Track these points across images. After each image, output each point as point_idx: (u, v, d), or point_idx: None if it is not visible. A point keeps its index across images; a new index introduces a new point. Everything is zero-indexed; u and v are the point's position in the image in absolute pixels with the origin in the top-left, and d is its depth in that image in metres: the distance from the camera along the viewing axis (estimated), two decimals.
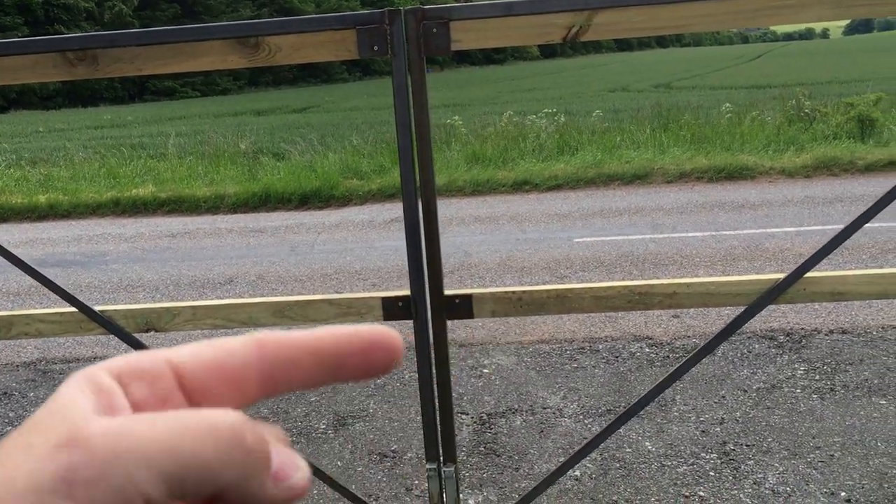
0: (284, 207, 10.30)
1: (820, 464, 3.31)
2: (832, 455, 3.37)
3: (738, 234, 7.16)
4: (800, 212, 7.88)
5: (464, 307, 2.05)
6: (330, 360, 0.30)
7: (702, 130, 12.02)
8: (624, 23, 1.74)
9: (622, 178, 10.10)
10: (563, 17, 1.74)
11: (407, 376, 4.48)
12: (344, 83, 60.63)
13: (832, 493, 3.10)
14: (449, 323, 2.08)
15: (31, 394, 4.67)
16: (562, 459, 3.20)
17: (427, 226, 1.95)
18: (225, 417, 0.26)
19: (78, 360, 5.18)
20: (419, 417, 2.64)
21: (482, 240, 7.69)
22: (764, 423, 3.70)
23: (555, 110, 14.22)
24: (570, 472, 3.23)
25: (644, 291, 2.03)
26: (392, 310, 2.05)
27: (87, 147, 16.84)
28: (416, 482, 3.41)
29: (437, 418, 2.14)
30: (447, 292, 2.03)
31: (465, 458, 3.57)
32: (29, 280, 2.69)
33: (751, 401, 3.93)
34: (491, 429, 3.85)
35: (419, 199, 1.93)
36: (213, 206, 10.50)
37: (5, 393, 4.70)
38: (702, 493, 3.18)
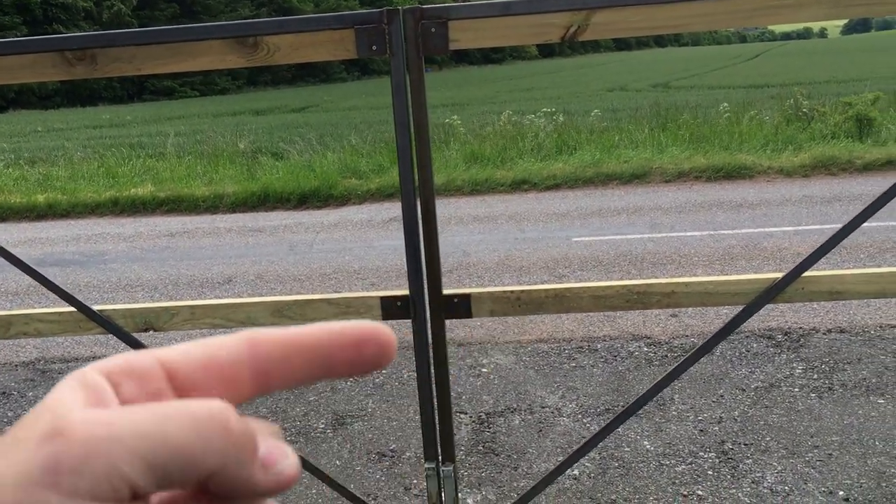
0: (283, 207, 10.30)
1: (818, 463, 3.32)
2: (830, 454, 3.38)
3: (737, 234, 7.17)
4: (798, 211, 7.88)
5: (462, 307, 2.05)
6: (322, 356, 0.30)
7: (700, 130, 12.03)
8: (622, 22, 1.74)
9: (620, 178, 10.11)
10: (562, 17, 1.74)
11: (405, 375, 4.48)
12: (342, 83, 60.61)
13: (830, 492, 3.10)
14: (447, 322, 2.09)
15: (30, 393, 4.67)
16: (560, 458, 3.20)
17: (426, 225, 1.95)
18: (206, 404, 0.26)
19: (77, 359, 5.18)
20: (418, 417, 2.65)
21: (481, 239, 7.69)
22: (762, 423, 3.70)
23: (553, 110, 14.21)
24: (568, 472, 3.23)
25: (642, 291, 2.04)
26: (391, 309, 2.05)
27: (85, 146, 16.84)
28: (415, 481, 3.42)
29: (436, 417, 2.14)
30: (446, 292, 2.03)
31: (463, 457, 3.57)
32: (27, 279, 2.69)
33: (749, 400, 3.94)
34: (489, 428, 3.85)
35: (418, 198, 1.93)
36: (212, 205, 10.49)
37: (4, 392, 4.69)
38: (700, 493, 3.18)
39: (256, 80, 60.10)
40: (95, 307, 2.18)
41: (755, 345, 4.61)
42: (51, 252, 8.48)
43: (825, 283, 2.01)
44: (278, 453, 0.28)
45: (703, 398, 3.99)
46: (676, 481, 3.27)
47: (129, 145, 16.50)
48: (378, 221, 9.00)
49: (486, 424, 3.89)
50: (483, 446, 3.68)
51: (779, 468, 3.30)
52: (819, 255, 1.94)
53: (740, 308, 2.05)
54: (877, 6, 1.75)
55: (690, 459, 3.42)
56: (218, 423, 0.26)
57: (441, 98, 26.60)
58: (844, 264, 5.86)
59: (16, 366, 5.12)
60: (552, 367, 4.52)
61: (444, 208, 9.00)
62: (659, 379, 2.13)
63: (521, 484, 3.30)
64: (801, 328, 4.81)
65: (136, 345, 2.20)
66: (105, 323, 2.15)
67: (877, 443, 3.44)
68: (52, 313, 2.21)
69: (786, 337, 4.70)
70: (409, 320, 2.04)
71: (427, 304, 2.03)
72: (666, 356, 4.56)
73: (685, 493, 3.18)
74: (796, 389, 4.02)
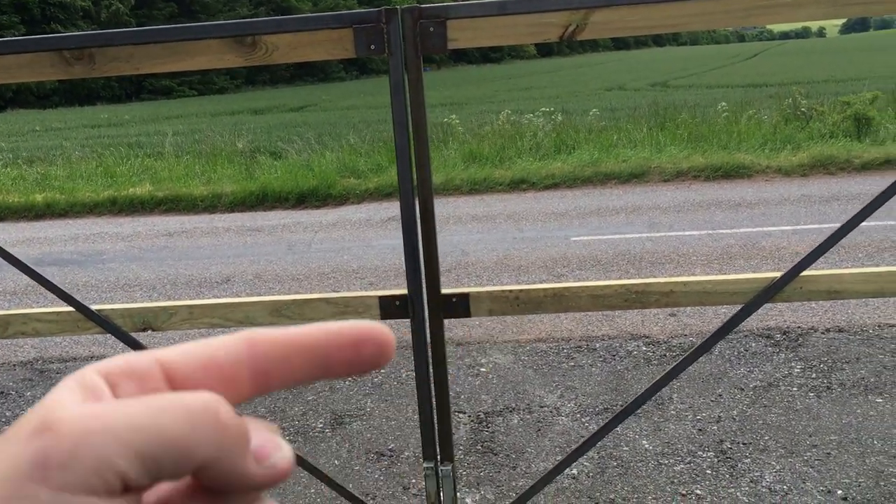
0: (282, 206, 10.29)
1: (817, 462, 3.32)
2: (829, 453, 3.38)
3: (735, 233, 7.17)
4: (796, 210, 7.89)
5: (461, 306, 2.05)
6: (320, 356, 0.30)
7: (698, 129, 12.03)
8: (620, 22, 1.74)
9: (619, 177, 10.11)
10: (560, 16, 1.74)
11: (404, 375, 4.48)
12: (341, 82, 60.61)
13: (829, 491, 3.10)
14: (446, 322, 2.08)
15: (28, 393, 4.67)
16: (559, 458, 3.21)
17: (424, 225, 1.95)
18: (198, 396, 0.26)
19: (75, 359, 5.17)
20: (416, 416, 2.65)
21: (479, 238, 7.69)
22: (761, 422, 3.70)
23: (552, 109, 14.22)
24: (567, 471, 3.23)
25: (641, 290, 2.04)
26: (389, 309, 2.05)
27: (84, 146, 16.83)
28: (414, 481, 3.42)
29: (435, 417, 2.14)
30: (444, 291, 2.03)
31: (462, 456, 3.57)
32: (26, 279, 2.69)
33: (747, 399, 3.94)
34: (488, 427, 3.85)
35: (416, 197, 1.93)
36: (211, 204, 10.49)
37: (2, 392, 4.69)
38: (699, 492, 3.18)
39: (255, 80, 60.09)
40: (94, 307, 2.18)
41: (754, 344, 4.61)
42: (49, 251, 8.48)
43: (823, 283, 2.01)
44: (271, 446, 0.28)
45: (701, 397, 3.99)
46: (675, 480, 3.27)
47: (128, 145, 16.49)
48: (376, 221, 9.00)
49: (484, 424, 3.89)
50: (482, 446, 3.68)
51: (777, 467, 3.31)
52: (817, 255, 1.94)
53: (739, 307, 2.05)
54: (875, 5, 1.76)
55: (689, 459, 3.43)
56: (210, 414, 0.26)
57: (439, 97, 26.61)
58: (843, 263, 5.86)
59: (14, 365, 5.12)
60: (551, 366, 4.52)
61: (443, 208, 8.99)
62: (657, 378, 2.13)
63: (520, 483, 3.30)
64: (799, 327, 4.81)
65: (135, 344, 2.20)
66: (103, 323, 2.15)
67: (875, 442, 3.44)
68: (50, 313, 2.21)
69: (784, 336, 4.70)
70: (408, 320, 2.04)
71: (425, 304, 2.03)
72: (664, 355, 4.56)
73: (684, 492, 3.19)
74: (795, 389, 4.02)
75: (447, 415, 2.15)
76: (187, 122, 24.14)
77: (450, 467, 2.18)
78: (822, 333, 4.70)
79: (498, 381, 4.38)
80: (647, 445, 3.56)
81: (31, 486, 0.24)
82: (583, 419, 3.86)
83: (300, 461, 2.21)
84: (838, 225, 1.93)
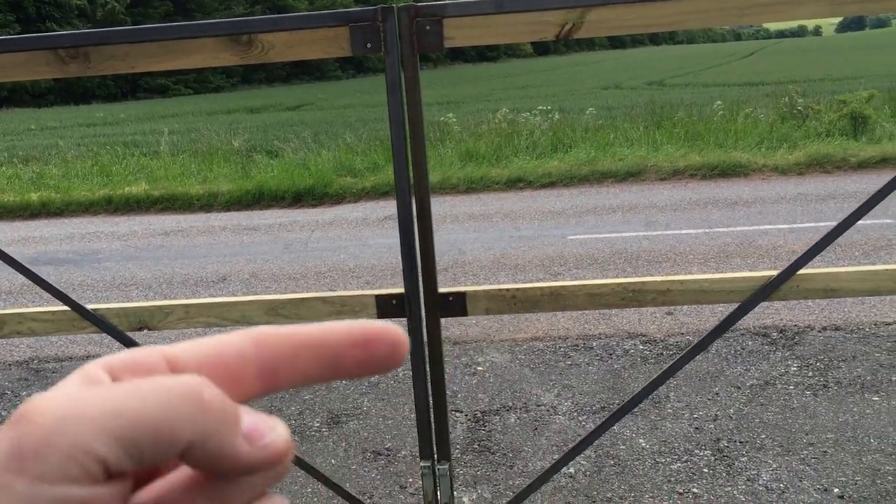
0: (278, 205, 10.28)
1: (813, 460, 3.33)
2: (825, 451, 3.39)
3: (732, 231, 7.18)
4: (793, 209, 7.90)
5: (458, 305, 2.05)
6: (330, 354, 0.30)
7: (695, 128, 12.04)
8: (616, 20, 1.74)
9: (616, 176, 10.12)
10: (556, 15, 1.74)
11: (401, 374, 4.47)
12: (337, 80, 60.56)
13: (825, 490, 3.11)
14: (443, 320, 2.08)
15: (24, 393, 4.66)
16: (556, 457, 3.21)
17: (421, 223, 1.95)
18: (180, 378, 0.26)
19: (71, 358, 5.16)
20: (413, 415, 2.64)
21: (476, 237, 7.69)
22: (757, 420, 3.71)
23: (548, 108, 14.23)
24: (564, 470, 3.23)
25: (638, 289, 2.04)
26: (386, 308, 2.05)
27: (79, 145, 16.79)
28: (411, 480, 3.41)
29: (431, 416, 2.14)
30: (441, 290, 2.03)
31: (459, 455, 3.57)
32: (21, 278, 2.68)
33: (744, 398, 3.94)
34: (485, 426, 3.85)
35: (413, 196, 1.92)
36: (207, 203, 10.47)
37: None
38: (696, 490, 3.19)
39: (251, 78, 59.97)
40: (89, 306, 2.17)
41: (750, 342, 4.62)
42: (44, 251, 8.46)
43: (820, 281, 2.01)
44: (265, 427, 0.27)
45: (698, 396, 4.00)
46: (672, 479, 3.27)
47: (123, 143, 16.44)
48: (373, 220, 8.99)
49: (481, 423, 3.89)
50: (479, 445, 3.68)
51: (774, 466, 3.31)
52: (814, 253, 1.94)
53: (735, 306, 2.05)
54: (871, 4, 1.76)
55: (686, 457, 3.43)
56: (192, 394, 0.25)
57: (436, 96, 26.58)
58: (839, 262, 5.87)
59: (9, 365, 5.10)
60: (548, 365, 4.52)
61: (440, 206, 8.99)
62: (654, 377, 2.13)
63: (517, 482, 3.31)
64: (796, 326, 4.82)
65: (131, 344, 2.19)
66: (99, 322, 2.14)
67: (871, 440, 3.45)
68: (45, 312, 2.20)
69: (781, 335, 4.71)
70: (405, 319, 2.04)
71: (422, 303, 2.02)
72: (661, 354, 4.56)
73: (681, 490, 3.19)
74: (791, 387, 4.02)
75: (444, 414, 2.15)
76: (183, 120, 24.08)
77: (447, 466, 2.18)
78: (819, 332, 4.71)
79: (495, 379, 4.37)
80: (643, 444, 3.56)
81: (7, 476, 0.23)
82: (580, 418, 3.86)
83: (297, 460, 2.21)
84: (835, 223, 1.93)
